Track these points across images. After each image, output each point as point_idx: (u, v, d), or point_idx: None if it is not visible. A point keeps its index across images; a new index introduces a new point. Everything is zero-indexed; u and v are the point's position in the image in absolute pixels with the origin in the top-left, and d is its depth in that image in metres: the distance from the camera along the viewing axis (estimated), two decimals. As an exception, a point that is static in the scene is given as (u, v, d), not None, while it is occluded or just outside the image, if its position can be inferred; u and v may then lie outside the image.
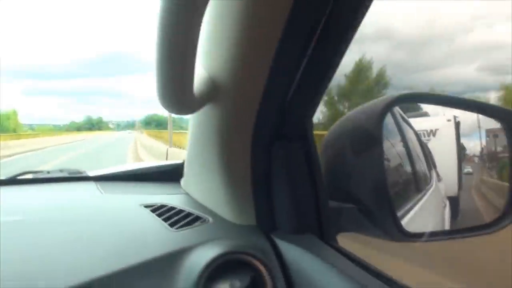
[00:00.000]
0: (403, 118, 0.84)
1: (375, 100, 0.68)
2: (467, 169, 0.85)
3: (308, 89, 0.61)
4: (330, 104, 10.91)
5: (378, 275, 0.60)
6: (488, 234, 0.66)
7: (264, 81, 0.59)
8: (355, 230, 0.65)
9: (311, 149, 0.65)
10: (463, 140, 0.86)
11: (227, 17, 0.57)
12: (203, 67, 0.63)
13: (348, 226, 0.65)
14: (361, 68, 10.92)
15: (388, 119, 0.78)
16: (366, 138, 0.64)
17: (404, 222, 0.69)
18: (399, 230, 0.61)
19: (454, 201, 0.81)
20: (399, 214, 0.69)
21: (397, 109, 0.82)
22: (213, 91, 0.62)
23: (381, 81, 11.33)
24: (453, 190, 0.80)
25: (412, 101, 0.72)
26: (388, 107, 0.64)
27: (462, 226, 0.70)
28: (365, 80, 10.95)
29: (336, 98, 10.94)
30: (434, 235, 0.65)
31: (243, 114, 0.62)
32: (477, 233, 0.66)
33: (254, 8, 0.55)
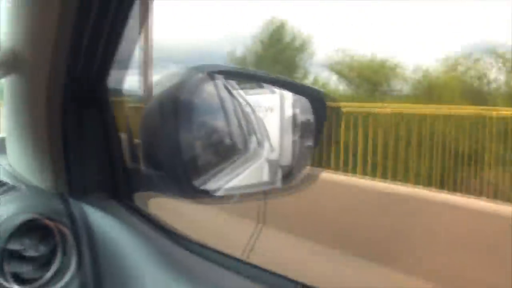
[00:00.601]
0: (229, 90, 0.98)
1: (188, 71, 0.80)
2: (308, 142, 1.02)
3: (95, 57, 0.70)
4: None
5: (171, 233, 0.75)
6: (286, 194, 0.83)
7: (54, 51, 0.68)
8: (156, 190, 0.77)
9: (107, 114, 0.76)
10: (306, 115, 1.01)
11: None
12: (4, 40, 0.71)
13: (147, 186, 0.76)
14: (272, 31, 10.57)
15: (211, 89, 0.92)
16: (174, 107, 0.76)
17: (215, 184, 0.83)
18: (193, 190, 0.72)
19: (285, 169, 0.97)
20: (210, 176, 0.83)
21: (223, 81, 0.95)
22: (12, 62, 0.71)
23: (305, 50, 11.11)
24: (284, 159, 0.96)
25: (226, 74, 0.82)
26: (201, 78, 0.75)
27: (263, 188, 0.87)
28: (278, 44, 10.76)
29: (250, 68, 10.85)
30: (234, 195, 0.80)
31: (39, 83, 0.71)
32: (273, 194, 0.83)
33: None
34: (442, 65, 7.89)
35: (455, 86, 7.50)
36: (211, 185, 0.76)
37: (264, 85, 0.93)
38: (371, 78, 8.95)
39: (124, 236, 0.72)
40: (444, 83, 7.56)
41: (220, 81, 0.86)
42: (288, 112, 0.90)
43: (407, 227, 2.23)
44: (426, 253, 2.10)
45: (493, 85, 7.70)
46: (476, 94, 7.33)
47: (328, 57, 9.18)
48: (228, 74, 0.84)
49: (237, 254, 0.72)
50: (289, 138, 0.88)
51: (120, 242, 0.72)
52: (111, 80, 0.77)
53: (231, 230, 2.62)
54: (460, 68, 7.77)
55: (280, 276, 0.65)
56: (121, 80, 0.76)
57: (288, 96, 0.91)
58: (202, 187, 0.75)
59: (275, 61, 10.61)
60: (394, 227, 2.24)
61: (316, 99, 0.81)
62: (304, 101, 0.86)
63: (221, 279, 0.68)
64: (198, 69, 0.76)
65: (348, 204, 2.47)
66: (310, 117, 0.82)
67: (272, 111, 0.93)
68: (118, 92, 0.81)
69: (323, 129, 0.80)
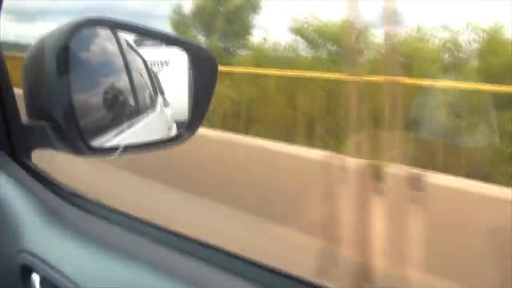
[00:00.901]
0: (130, 46, 1.02)
1: (73, 23, 0.82)
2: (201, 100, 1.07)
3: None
4: (185, 27, 10.60)
5: (62, 191, 0.80)
6: (174, 146, 0.90)
7: None
8: (49, 147, 0.81)
9: None
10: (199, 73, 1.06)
11: None
12: None
13: (42, 143, 0.81)
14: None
15: (110, 45, 0.95)
16: (58, 59, 0.74)
17: (115, 140, 0.89)
18: (87, 146, 0.76)
19: (179, 124, 1.03)
20: (109, 133, 0.88)
21: (114, 34, 0.99)
22: None
23: (259, 9, 10.89)
24: (179, 114, 1.02)
25: (104, 24, 0.85)
26: (76, 29, 0.76)
27: (152, 140, 0.93)
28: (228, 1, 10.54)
29: (189, 21, 10.61)
30: (127, 150, 0.86)
31: None
32: (165, 145, 0.90)
33: None
34: (413, 34, 7.89)
35: (424, 56, 7.58)
36: (100, 140, 0.81)
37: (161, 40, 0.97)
38: (339, 44, 8.77)
39: (17, 194, 0.77)
40: (411, 53, 7.59)
41: (110, 34, 0.90)
42: (184, 68, 0.95)
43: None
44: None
45: (466, 59, 7.83)
46: (445, 66, 7.47)
47: (293, 20, 8.91)
48: (118, 27, 0.88)
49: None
50: (184, 94, 0.94)
51: (12, 199, 0.77)
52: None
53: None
54: (434, 39, 7.82)
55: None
56: (13, 34, 0.78)
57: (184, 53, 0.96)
58: (92, 143, 0.80)
59: (228, 21, 10.44)
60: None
61: (204, 58, 0.87)
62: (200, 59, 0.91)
63: (110, 235, 0.74)
64: (83, 21, 0.78)
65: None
66: (203, 75, 0.88)
67: (168, 66, 0.98)
68: (11, 45, 0.83)
69: (212, 88, 0.87)
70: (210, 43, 10.60)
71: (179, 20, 10.65)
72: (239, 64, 8.63)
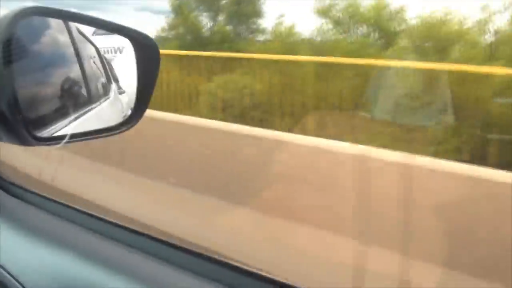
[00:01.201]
0: (83, 35, 1.05)
1: (15, 12, 0.85)
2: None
3: None
4: (187, 10, 10.42)
5: (4, 181, 0.84)
6: (121, 132, 0.94)
7: None
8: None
9: None
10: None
11: None
12: None
13: None
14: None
15: (60, 34, 0.99)
16: (2, 49, 0.78)
17: (65, 129, 0.92)
18: (32, 137, 0.80)
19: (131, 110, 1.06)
20: (59, 122, 0.92)
21: (75, 26, 1.02)
22: None
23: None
24: (131, 101, 1.05)
25: (49, 14, 0.88)
26: (20, 18, 0.77)
27: (100, 128, 0.97)
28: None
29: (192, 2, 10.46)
30: (74, 138, 0.90)
31: None
32: (112, 132, 0.94)
33: None
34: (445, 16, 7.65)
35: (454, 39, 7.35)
36: (48, 130, 0.85)
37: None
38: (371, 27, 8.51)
39: None
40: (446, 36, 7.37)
41: (60, 24, 0.93)
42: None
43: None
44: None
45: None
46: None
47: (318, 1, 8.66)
48: (62, 16, 0.91)
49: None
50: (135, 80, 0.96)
51: None
52: None
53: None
54: (467, 21, 7.55)
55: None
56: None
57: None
58: (40, 133, 0.84)
59: (235, 2, 10.29)
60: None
61: (147, 45, 0.90)
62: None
63: (48, 225, 0.78)
64: (27, 10, 0.81)
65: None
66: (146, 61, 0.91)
67: (122, 54, 1.01)
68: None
69: (155, 74, 0.90)
70: (217, 27, 10.48)
71: (180, 2, 10.36)
72: (261, 51, 8.28)
